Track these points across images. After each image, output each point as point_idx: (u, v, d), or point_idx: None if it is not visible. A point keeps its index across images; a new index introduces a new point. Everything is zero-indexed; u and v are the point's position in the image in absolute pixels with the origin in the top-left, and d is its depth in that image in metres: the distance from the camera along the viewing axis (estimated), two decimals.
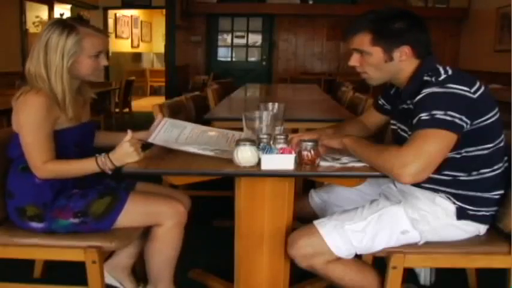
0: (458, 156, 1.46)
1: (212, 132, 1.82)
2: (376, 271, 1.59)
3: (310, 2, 8.74)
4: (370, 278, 1.57)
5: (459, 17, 8.31)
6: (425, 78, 1.47)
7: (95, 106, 5.24)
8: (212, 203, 3.06)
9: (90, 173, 1.64)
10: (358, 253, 1.54)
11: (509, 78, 4.47)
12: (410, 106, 1.50)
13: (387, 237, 1.51)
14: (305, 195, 1.95)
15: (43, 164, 1.59)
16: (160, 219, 1.72)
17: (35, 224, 1.65)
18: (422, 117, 1.36)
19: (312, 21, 8.82)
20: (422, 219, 1.51)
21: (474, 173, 1.49)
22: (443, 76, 1.44)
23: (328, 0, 8.48)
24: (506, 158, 1.55)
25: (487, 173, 1.50)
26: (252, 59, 9.31)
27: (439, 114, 1.34)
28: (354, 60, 1.58)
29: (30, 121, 1.58)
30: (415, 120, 1.39)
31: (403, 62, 1.52)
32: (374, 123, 1.87)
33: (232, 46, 9.32)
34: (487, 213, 1.53)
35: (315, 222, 1.55)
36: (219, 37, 9.26)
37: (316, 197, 1.89)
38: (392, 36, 1.50)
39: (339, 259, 1.51)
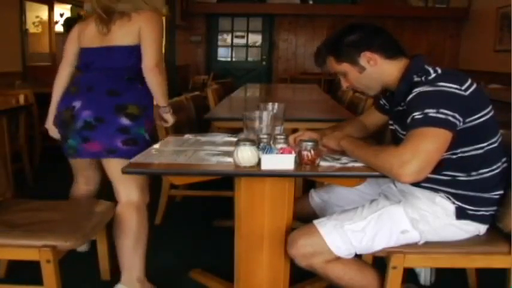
0: (454, 156, 1.47)
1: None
2: (376, 270, 1.59)
3: (310, 2, 8.74)
4: (369, 278, 1.57)
5: (459, 17, 8.30)
6: (415, 79, 1.49)
7: None
8: (212, 203, 3.06)
9: None
10: (358, 253, 1.54)
11: (509, 78, 4.47)
12: (404, 107, 1.51)
13: (387, 237, 1.51)
14: (305, 195, 1.96)
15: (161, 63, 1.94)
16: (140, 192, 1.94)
17: (125, 121, 1.86)
18: (416, 117, 1.37)
19: (312, 21, 8.81)
20: (422, 219, 1.51)
21: (474, 173, 1.49)
22: (433, 75, 1.45)
23: (328, 0, 8.48)
24: (505, 159, 1.55)
25: (486, 173, 1.49)
26: (252, 59, 9.30)
27: (431, 112, 1.35)
28: (344, 83, 1.68)
29: (161, 29, 1.95)
30: (409, 120, 1.40)
31: (378, 67, 1.57)
32: (373, 123, 1.87)
33: (232, 46, 9.31)
34: (487, 213, 1.53)
35: (315, 221, 1.55)
36: (219, 37, 9.26)
37: (316, 197, 1.90)
38: (347, 49, 1.58)
39: (338, 258, 1.51)
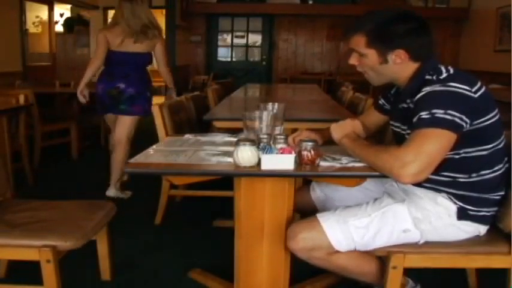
0: (457, 157, 1.46)
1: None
2: (375, 256, 1.60)
3: (310, 2, 8.74)
4: (372, 264, 1.59)
5: (459, 17, 8.30)
6: (427, 76, 1.47)
7: (95, 106, 5.27)
8: (212, 203, 3.06)
9: None
10: (357, 249, 1.54)
11: (509, 78, 4.47)
12: (410, 105, 1.50)
13: (388, 235, 1.51)
14: (306, 187, 1.94)
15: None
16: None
17: (148, 94, 3.37)
18: (423, 116, 1.36)
19: (312, 21, 8.81)
20: (424, 219, 1.51)
21: (474, 174, 1.49)
22: (444, 74, 1.44)
23: (328, 0, 8.48)
24: (506, 159, 1.55)
25: (487, 174, 1.49)
26: (252, 59, 9.30)
27: (439, 113, 1.34)
28: (353, 59, 1.60)
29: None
30: (415, 119, 1.39)
31: (399, 65, 1.52)
32: (373, 123, 1.87)
33: (232, 46, 9.32)
34: (488, 214, 1.53)
35: (318, 215, 1.55)
36: (219, 37, 9.27)
37: (318, 190, 1.88)
38: (387, 40, 1.50)
39: (338, 251, 1.52)
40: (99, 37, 3.22)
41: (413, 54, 1.51)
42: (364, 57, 1.55)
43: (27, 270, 1.73)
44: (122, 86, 3.24)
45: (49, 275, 1.62)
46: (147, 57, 3.33)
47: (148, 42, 3.26)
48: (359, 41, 1.54)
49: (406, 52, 1.50)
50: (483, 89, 1.42)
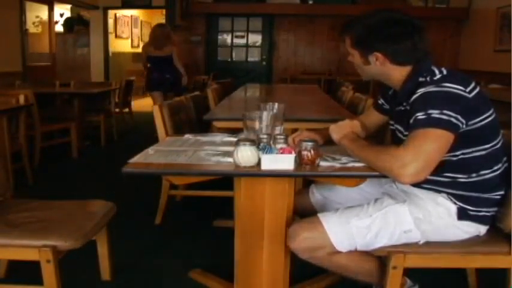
0: (455, 158, 1.46)
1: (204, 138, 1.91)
2: (376, 258, 1.60)
3: (310, 2, 8.74)
4: (373, 263, 1.59)
5: (459, 17, 8.30)
6: (420, 79, 1.48)
7: (95, 106, 5.29)
8: (212, 203, 3.06)
9: None
10: (359, 249, 1.54)
11: (509, 78, 4.48)
12: (407, 107, 1.50)
13: (389, 235, 1.51)
14: (305, 190, 1.95)
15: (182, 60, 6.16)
16: None
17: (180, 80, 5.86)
18: (419, 117, 1.37)
19: (312, 21, 8.81)
20: (425, 219, 1.51)
21: (474, 174, 1.49)
22: (438, 76, 1.45)
23: (328, 0, 8.48)
24: (505, 158, 1.55)
25: (486, 174, 1.49)
26: (252, 59, 9.30)
27: (435, 113, 1.35)
28: (349, 56, 1.66)
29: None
30: (411, 120, 1.40)
31: (382, 67, 1.55)
32: (373, 123, 1.87)
33: (232, 46, 9.31)
34: (488, 214, 1.53)
35: (319, 215, 1.55)
36: (219, 37, 9.26)
37: (317, 193, 1.89)
38: (365, 43, 1.56)
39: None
40: (142, 49, 5.94)
41: (393, 58, 1.53)
42: (354, 57, 1.62)
43: (27, 270, 1.73)
44: (168, 75, 5.65)
45: (49, 275, 1.62)
46: (168, 58, 5.63)
47: (166, 49, 5.61)
48: (347, 41, 1.62)
49: (383, 56, 1.53)
50: (477, 89, 1.42)
